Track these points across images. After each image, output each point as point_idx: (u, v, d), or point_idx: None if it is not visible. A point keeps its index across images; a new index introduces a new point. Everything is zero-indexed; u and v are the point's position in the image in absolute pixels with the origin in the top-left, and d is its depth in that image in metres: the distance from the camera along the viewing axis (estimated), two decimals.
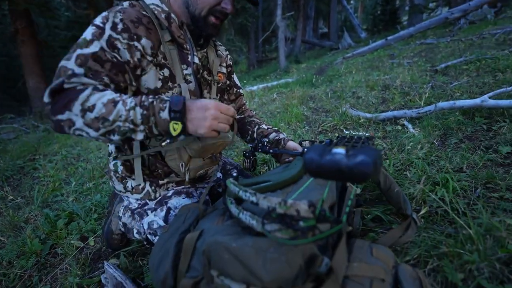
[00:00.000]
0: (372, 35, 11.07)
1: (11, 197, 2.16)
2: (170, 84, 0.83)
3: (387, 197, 1.01)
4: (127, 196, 0.92)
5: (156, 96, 0.71)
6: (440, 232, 0.81)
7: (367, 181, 0.42)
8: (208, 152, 1.01)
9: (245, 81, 7.26)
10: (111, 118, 0.65)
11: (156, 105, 0.68)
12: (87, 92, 0.66)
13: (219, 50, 1.02)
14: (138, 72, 0.78)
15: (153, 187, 0.89)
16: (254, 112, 1.25)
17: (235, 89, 1.15)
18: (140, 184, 0.89)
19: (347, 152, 0.40)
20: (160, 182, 0.90)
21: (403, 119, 1.95)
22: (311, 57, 10.91)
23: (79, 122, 0.66)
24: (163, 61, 0.81)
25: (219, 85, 1.03)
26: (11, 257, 1.15)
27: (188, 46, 0.87)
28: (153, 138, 0.81)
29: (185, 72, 0.86)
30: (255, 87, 5.48)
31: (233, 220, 0.55)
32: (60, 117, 0.66)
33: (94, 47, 0.71)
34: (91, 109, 0.65)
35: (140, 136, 0.70)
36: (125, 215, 1.02)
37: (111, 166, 0.93)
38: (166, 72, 0.82)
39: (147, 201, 0.90)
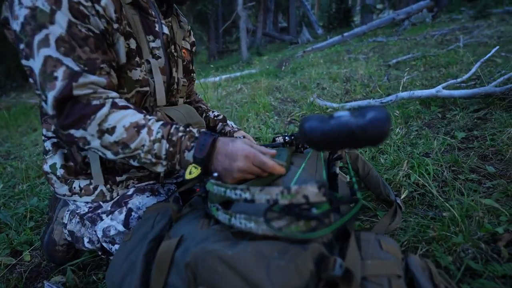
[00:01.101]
0: (328, 32, 11.54)
1: None
2: (137, 59, 0.67)
3: (366, 183, 0.99)
4: (74, 200, 0.74)
5: (188, 129, 0.60)
6: (423, 215, 0.81)
7: (385, 140, 0.36)
8: None
9: (203, 74, 6.96)
10: (132, 146, 0.56)
11: (184, 142, 0.57)
12: (105, 110, 0.54)
13: (181, 21, 0.87)
14: (111, 43, 0.62)
15: (108, 186, 0.72)
16: (200, 96, 1.14)
17: (191, 74, 1.02)
18: (91, 184, 0.72)
19: (351, 113, 0.33)
20: (118, 178, 0.73)
21: None
22: (272, 50, 10.95)
23: (95, 143, 0.56)
24: (128, 28, 0.64)
25: (184, 63, 0.89)
26: None
27: (153, 12, 0.71)
28: None
29: (152, 44, 0.71)
30: (217, 78, 5.28)
31: (222, 224, 0.44)
32: (73, 132, 0.55)
33: (62, 21, 0.52)
34: (110, 132, 0.55)
35: (160, 169, 0.59)
36: (71, 222, 0.83)
37: (46, 168, 0.73)
38: (132, 43, 0.66)
39: (101, 203, 0.73)
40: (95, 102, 0.54)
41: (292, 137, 0.68)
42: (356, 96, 2.48)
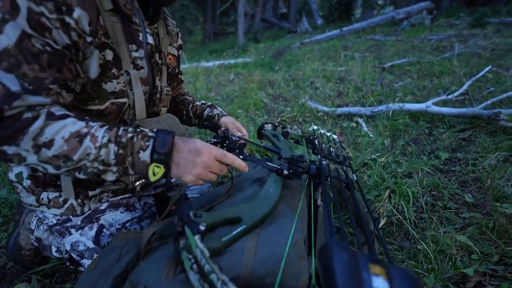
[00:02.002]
0: (327, 23, 11.33)
1: None
2: (114, 71, 0.61)
3: (347, 204, 0.99)
4: (41, 211, 0.69)
5: (138, 129, 0.55)
6: (399, 247, 0.82)
7: None
8: None
9: (197, 57, 6.73)
10: (75, 157, 0.50)
11: (137, 142, 0.52)
12: (39, 122, 0.48)
13: (169, 25, 0.80)
14: (80, 58, 0.55)
15: (79, 200, 0.68)
16: (186, 89, 1.10)
17: (178, 76, 0.97)
18: (60, 196, 0.67)
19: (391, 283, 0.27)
20: (91, 193, 0.69)
21: (358, 117, 2.01)
22: (270, 38, 10.68)
23: (32, 159, 0.49)
24: (103, 39, 0.58)
25: (170, 70, 0.83)
26: None
27: (137, 20, 0.64)
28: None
29: (134, 54, 0.64)
30: (211, 63, 5.12)
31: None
32: (5, 148, 0.48)
33: (11, 32, 0.45)
34: (48, 145, 0.49)
35: (111, 178, 0.54)
36: (39, 229, 0.79)
37: (12, 176, 0.68)
38: (108, 54, 0.59)
39: (70, 216, 0.69)
40: (26, 115, 0.48)
41: (291, 171, 0.64)
42: (348, 100, 2.47)
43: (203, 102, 1.01)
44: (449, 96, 1.94)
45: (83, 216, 0.69)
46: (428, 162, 1.34)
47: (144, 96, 0.70)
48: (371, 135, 1.73)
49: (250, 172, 0.77)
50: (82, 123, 0.52)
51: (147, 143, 0.52)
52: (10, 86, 0.46)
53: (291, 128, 0.98)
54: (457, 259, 0.75)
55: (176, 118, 0.83)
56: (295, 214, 0.57)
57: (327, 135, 1.01)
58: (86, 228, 0.68)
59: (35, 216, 0.81)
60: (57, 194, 0.68)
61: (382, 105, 2.20)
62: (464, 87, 1.97)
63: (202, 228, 0.39)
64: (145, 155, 0.52)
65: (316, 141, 0.90)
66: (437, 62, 3.57)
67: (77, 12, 0.50)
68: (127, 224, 0.72)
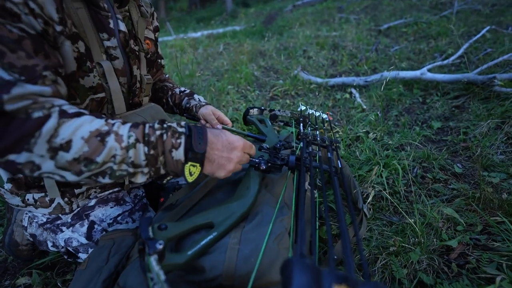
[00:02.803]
0: None
1: None
2: (89, 63, 0.55)
3: (340, 180, 1.00)
4: (29, 210, 0.68)
5: (165, 124, 0.49)
6: (388, 222, 0.85)
7: None
8: None
9: (183, 27, 6.33)
10: (99, 159, 0.44)
11: (167, 140, 0.47)
12: (52, 121, 0.41)
13: (142, 5, 0.73)
14: (56, 46, 0.50)
15: (66, 199, 0.67)
16: (167, 75, 1.04)
17: (158, 60, 0.90)
18: (46, 196, 0.66)
19: None
20: (77, 191, 0.68)
21: (351, 88, 1.96)
22: (260, 1, 10.02)
23: (48, 165, 0.43)
24: (74, 29, 0.52)
25: (149, 55, 0.77)
26: None
27: (105, 5, 0.57)
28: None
29: (107, 44, 0.59)
30: (199, 34, 4.85)
31: None
32: (13, 158, 0.41)
33: None
34: (66, 147, 0.42)
35: (141, 180, 0.48)
36: (31, 225, 0.79)
37: None
38: (81, 46, 0.54)
39: (60, 215, 0.69)
40: (36, 114, 0.41)
41: (269, 164, 0.62)
42: (342, 69, 2.39)
43: (182, 89, 0.97)
44: (445, 62, 1.88)
45: (72, 214, 0.69)
46: (420, 132, 1.33)
47: (122, 88, 0.66)
48: (364, 106, 1.70)
49: None
50: (101, 121, 0.46)
51: (178, 141, 0.48)
52: (2, 75, 0.40)
53: (279, 110, 0.95)
54: (442, 231, 0.78)
55: (159, 107, 0.80)
56: (278, 203, 0.57)
57: (315, 116, 0.98)
58: (77, 225, 0.69)
59: (26, 214, 0.80)
60: (42, 194, 0.67)
61: (377, 73, 2.14)
62: (461, 51, 1.90)
63: (159, 247, 0.38)
64: (178, 154, 0.48)
65: (301, 125, 0.87)
66: (435, 22, 3.41)
67: None
68: (119, 218, 0.72)
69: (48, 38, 0.48)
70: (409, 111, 1.61)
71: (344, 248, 0.36)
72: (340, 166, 0.66)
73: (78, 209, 0.70)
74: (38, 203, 0.67)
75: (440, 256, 0.72)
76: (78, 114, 0.45)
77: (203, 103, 0.93)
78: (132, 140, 0.46)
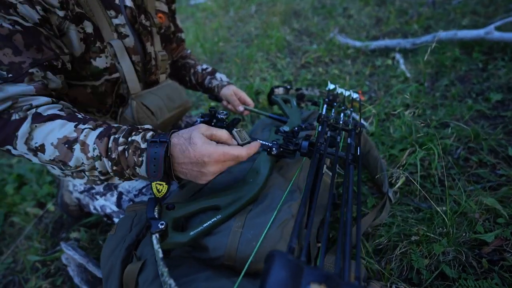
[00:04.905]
0: None
1: None
2: (99, 44, 0.56)
3: (365, 161, 0.94)
4: (69, 180, 0.78)
5: (130, 138, 0.47)
6: (415, 208, 0.79)
7: None
8: (169, 125, 0.83)
9: None
10: (71, 163, 0.47)
11: (129, 158, 0.46)
12: (26, 126, 0.45)
13: None
14: (57, 33, 0.51)
15: None
16: (189, 51, 1.00)
17: (178, 34, 0.86)
18: None
19: None
20: None
21: (396, 52, 1.72)
22: None
23: (35, 160, 0.48)
24: (77, 9, 0.52)
25: (162, 30, 0.75)
26: None
27: None
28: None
29: (115, 21, 0.58)
30: None
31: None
32: (7, 148, 0.47)
33: None
34: (41, 150, 0.46)
35: (117, 182, 0.52)
36: (75, 191, 0.91)
37: None
38: (88, 26, 0.54)
39: (93, 185, 0.77)
40: (14, 117, 0.45)
41: (281, 149, 0.59)
42: (388, 29, 2.10)
43: (204, 67, 0.94)
44: None
45: (103, 184, 0.77)
46: (473, 106, 1.15)
47: (137, 67, 0.66)
48: (408, 74, 1.50)
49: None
50: (71, 126, 0.47)
51: (140, 159, 0.46)
52: None
53: (306, 89, 0.88)
54: (478, 223, 0.70)
55: (176, 84, 0.79)
56: (288, 188, 0.56)
57: (345, 95, 0.89)
58: (108, 195, 0.76)
59: (69, 181, 0.92)
60: None
61: (430, 33, 1.83)
62: None
63: (160, 227, 0.40)
64: (142, 171, 0.47)
65: (325, 106, 0.79)
66: None
67: None
68: (143, 190, 0.78)
69: (47, 27, 0.48)
70: (463, 80, 1.38)
71: (338, 245, 0.34)
72: (358, 153, 0.60)
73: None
74: (74, 174, 0.75)
75: (471, 249, 0.66)
76: (51, 118, 0.47)
77: (225, 83, 0.90)
78: (96, 153, 0.46)
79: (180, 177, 0.51)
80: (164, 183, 0.48)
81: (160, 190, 0.49)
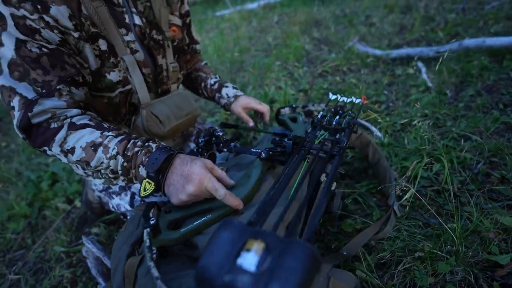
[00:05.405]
0: None
1: (4, 144, 2.17)
2: (113, 59, 0.63)
3: (375, 171, 0.92)
4: (89, 180, 0.85)
5: (147, 143, 0.57)
6: (423, 224, 0.75)
7: None
8: (178, 132, 0.89)
9: None
10: (93, 164, 0.58)
11: (139, 157, 0.56)
12: (62, 133, 0.56)
13: None
14: (76, 51, 0.59)
15: None
16: (203, 62, 1.04)
17: (192, 46, 0.92)
18: None
19: (259, 267, 0.26)
20: None
21: (418, 61, 1.66)
22: None
23: (64, 160, 0.60)
24: (93, 29, 0.59)
25: (175, 43, 0.81)
26: (3, 219, 1.20)
27: (120, 1, 0.62)
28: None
29: (127, 38, 0.65)
30: (255, 4, 4.71)
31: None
32: (44, 149, 0.58)
33: (9, 43, 0.50)
34: (71, 152, 0.57)
35: (121, 183, 0.63)
36: (96, 190, 0.99)
37: None
38: (103, 44, 0.61)
39: (110, 185, 0.84)
40: (53, 125, 0.55)
41: (270, 153, 0.62)
42: (412, 37, 2.03)
43: (212, 82, 0.98)
44: None
45: (119, 185, 0.84)
46: (500, 118, 1.08)
47: (147, 79, 0.72)
48: (430, 84, 1.44)
49: (247, 157, 0.76)
50: (98, 133, 0.57)
51: (146, 159, 0.54)
52: (26, 95, 0.53)
53: (313, 105, 0.91)
54: (493, 244, 0.65)
55: (187, 92, 0.85)
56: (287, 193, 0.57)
57: (346, 102, 0.90)
58: (123, 194, 0.83)
59: (91, 180, 1.00)
60: None
61: (457, 40, 1.75)
62: None
63: (151, 223, 0.46)
64: (143, 170, 0.55)
65: (320, 113, 0.81)
66: None
67: (53, 10, 0.52)
68: (153, 192, 0.83)
69: (67, 46, 0.56)
70: (490, 90, 1.30)
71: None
72: (344, 145, 0.61)
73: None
74: (94, 174, 0.83)
75: (482, 271, 0.62)
76: (83, 126, 0.57)
77: (232, 99, 0.94)
78: (114, 152, 0.56)
79: (164, 189, 0.56)
80: (153, 183, 0.54)
81: (146, 189, 0.55)
